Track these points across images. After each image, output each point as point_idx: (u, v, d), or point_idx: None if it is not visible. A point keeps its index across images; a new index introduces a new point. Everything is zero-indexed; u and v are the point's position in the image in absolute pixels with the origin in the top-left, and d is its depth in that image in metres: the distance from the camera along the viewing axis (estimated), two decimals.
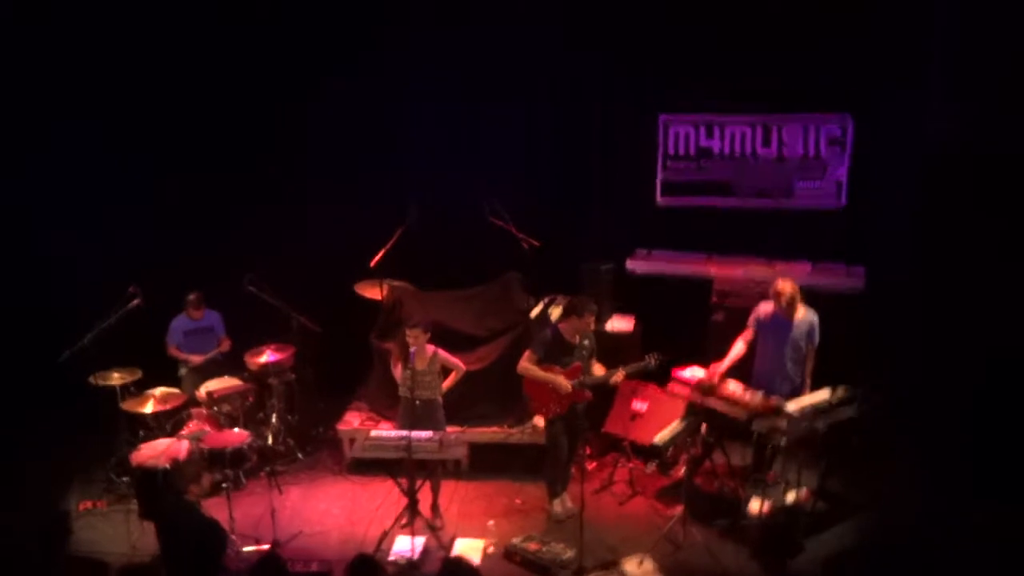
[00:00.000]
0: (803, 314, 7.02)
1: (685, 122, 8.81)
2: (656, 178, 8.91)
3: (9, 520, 6.48)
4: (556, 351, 6.69)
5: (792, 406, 6.58)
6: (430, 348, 6.81)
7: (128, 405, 7.36)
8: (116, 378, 7.38)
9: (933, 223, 8.05)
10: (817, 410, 6.50)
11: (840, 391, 6.74)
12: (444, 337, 7.23)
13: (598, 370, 6.87)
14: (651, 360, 6.84)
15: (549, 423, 6.87)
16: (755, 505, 6.84)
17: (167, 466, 6.47)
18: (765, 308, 7.13)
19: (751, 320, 7.19)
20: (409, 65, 8.73)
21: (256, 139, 8.84)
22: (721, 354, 7.26)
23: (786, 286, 6.95)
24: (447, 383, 6.92)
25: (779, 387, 6.99)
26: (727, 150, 8.83)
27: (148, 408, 7.32)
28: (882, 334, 8.16)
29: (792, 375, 7.04)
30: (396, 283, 8.29)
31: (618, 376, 6.81)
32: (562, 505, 6.97)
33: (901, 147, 8.26)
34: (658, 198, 8.97)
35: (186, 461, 6.23)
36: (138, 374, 7.54)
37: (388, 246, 7.91)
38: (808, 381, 7.05)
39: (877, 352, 8.02)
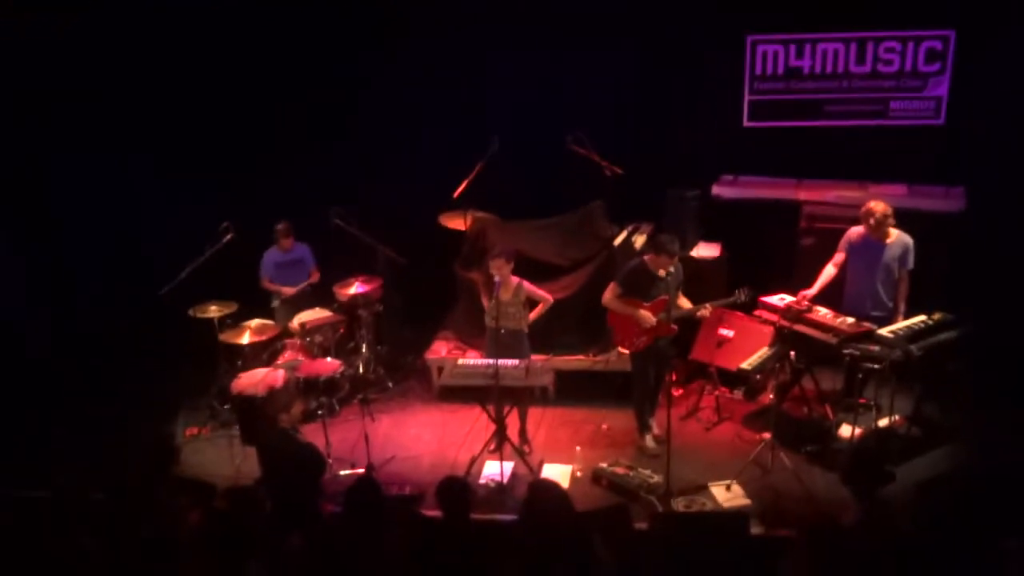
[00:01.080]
0: (896, 236, 6.80)
1: (774, 41, 8.49)
2: (743, 100, 8.65)
3: (122, 444, 6.90)
4: (641, 284, 6.59)
5: (885, 330, 6.43)
6: (514, 279, 6.83)
7: (226, 337, 7.65)
8: (214, 311, 7.66)
9: None
10: (912, 334, 6.33)
11: (937, 315, 6.56)
12: (527, 267, 7.25)
13: (684, 303, 6.76)
14: (740, 295, 6.71)
15: (634, 356, 6.85)
16: (846, 430, 6.76)
17: (263, 394, 6.75)
18: (856, 230, 6.94)
19: (842, 243, 7.02)
20: None
21: (341, 73, 8.94)
22: (810, 280, 7.12)
23: (877, 206, 6.74)
24: (534, 314, 6.95)
25: (870, 312, 6.83)
26: (818, 69, 8.51)
27: (245, 339, 7.59)
28: (983, 257, 7.85)
29: (884, 299, 6.86)
30: (479, 214, 8.32)
31: (705, 311, 6.71)
32: (653, 439, 6.96)
33: (1008, 62, 7.81)
34: (745, 121, 8.72)
35: (278, 391, 6.45)
36: (234, 307, 7.81)
37: (471, 177, 7.92)
38: (902, 306, 6.85)
39: (978, 276, 7.73)
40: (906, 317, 6.74)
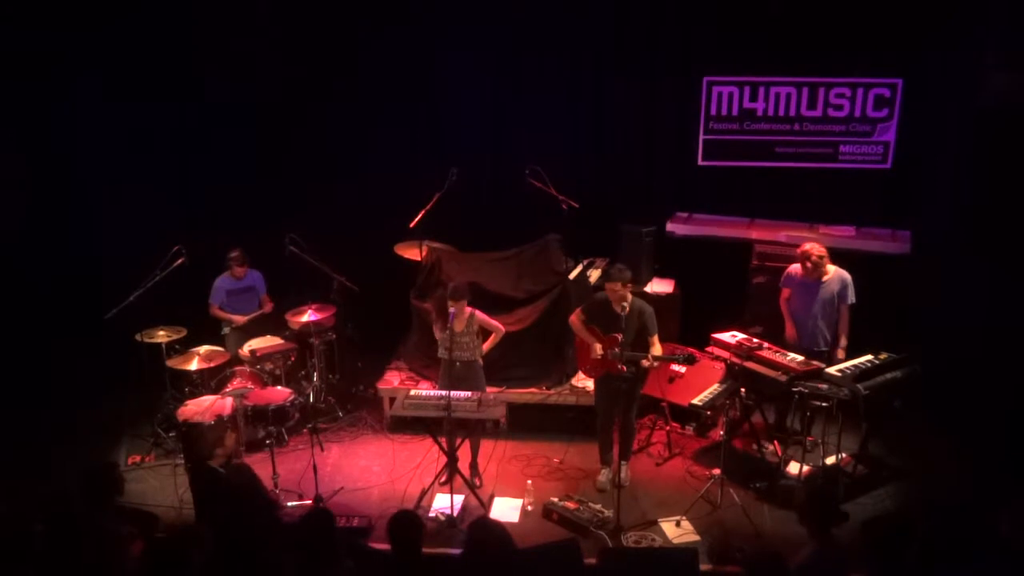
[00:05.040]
0: (833, 273, 7.00)
1: (729, 83, 8.67)
2: (698, 139, 8.79)
3: (60, 473, 6.70)
4: (599, 315, 6.61)
5: (833, 369, 6.55)
6: (468, 309, 6.83)
7: (173, 363, 7.51)
8: (162, 336, 7.53)
9: (983, 187, 7.89)
10: (859, 373, 6.45)
11: (883, 355, 6.69)
12: (482, 298, 7.25)
13: (656, 349, 6.54)
14: (680, 356, 6.61)
15: (596, 388, 6.90)
16: (794, 467, 6.83)
17: (211, 422, 6.63)
18: (795, 269, 7.13)
19: (784, 279, 7.23)
20: (453, 21, 8.69)
21: (298, 100, 8.92)
22: (761, 317, 7.27)
23: (813, 249, 6.99)
24: (487, 344, 6.93)
25: (811, 347, 7.03)
26: (771, 111, 8.70)
27: (193, 365, 7.46)
28: (927, 299, 8.05)
29: (825, 334, 7.06)
30: (435, 244, 8.31)
31: (647, 361, 6.48)
32: (607, 476, 6.91)
33: (953, 110, 8.09)
34: (700, 160, 8.86)
35: (204, 432, 6.19)
36: (183, 332, 7.68)
37: (427, 207, 7.92)
38: (843, 341, 7.03)
39: (922, 317, 7.92)
40: (850, 354, 6.87)
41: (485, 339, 6.94)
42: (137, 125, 8.87)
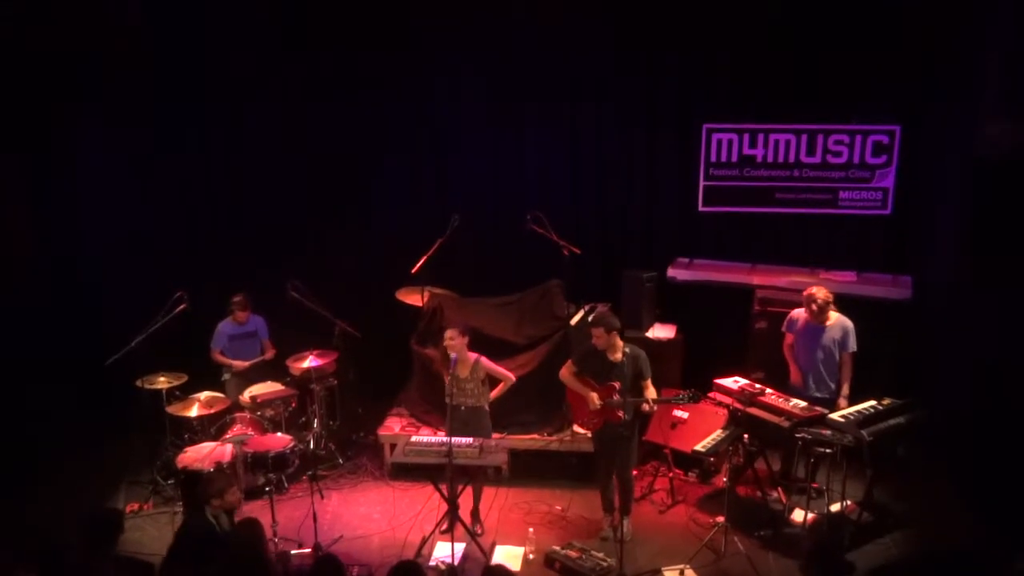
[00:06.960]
0: (835, 320, 7.00)
1: (728, 130, 8.75)
2: (698, 185, 8.85)
3: (58, 519, 6.64)
4: (593, 365, 6.57)
5: (837, 415, 6.51)
6: (472, 355, 6.80)
7: (174, 409, 7.48)
8: (162, 382, 7.52)
9: (983, 232, 7.90)
10: (863, 419, 6.41)
11: (886, 401, 6.66)
12: (484, 344, 7.22)
13: (650, 393, 6.47)
14: (683, 396, 6.58)
15: (593, 437, 6.82)
16: (799, 515, 6.76)
17: (211, 469, 6.57)
18: (798, 312, 7.13)
19: (786, 324, 7.23)
20: (455, 71, 8.82)
21: (298, 148, 9.02)
22: (762, 362, 7.22)
23: (819, 292, 6.97)
24: (495, 392, 6.88)
25: (813, 392, 7.00)
26: (771, 158, 8.75)
27: (193, 412, 7.43)
28: (929, 345, 8.03)
29: (826, 380, 7.04)
30: (437, 290, 8.32)
31: (647, 405, 6.43)
32: (609, 523, 6.83)
33: (951, 156, 8.13)
34: (700, 206, 8.90)
35: (214, 475, 6.14)
36: (184, 378, 7.67)
37: (429, 253, 7.95)
38: (845, 388, 7.00)
39: (924, 363, 7.89)
40: (852, 400, 6.84)
41: (493, 387, 6.90)
42: (138, 175, 8.98)
